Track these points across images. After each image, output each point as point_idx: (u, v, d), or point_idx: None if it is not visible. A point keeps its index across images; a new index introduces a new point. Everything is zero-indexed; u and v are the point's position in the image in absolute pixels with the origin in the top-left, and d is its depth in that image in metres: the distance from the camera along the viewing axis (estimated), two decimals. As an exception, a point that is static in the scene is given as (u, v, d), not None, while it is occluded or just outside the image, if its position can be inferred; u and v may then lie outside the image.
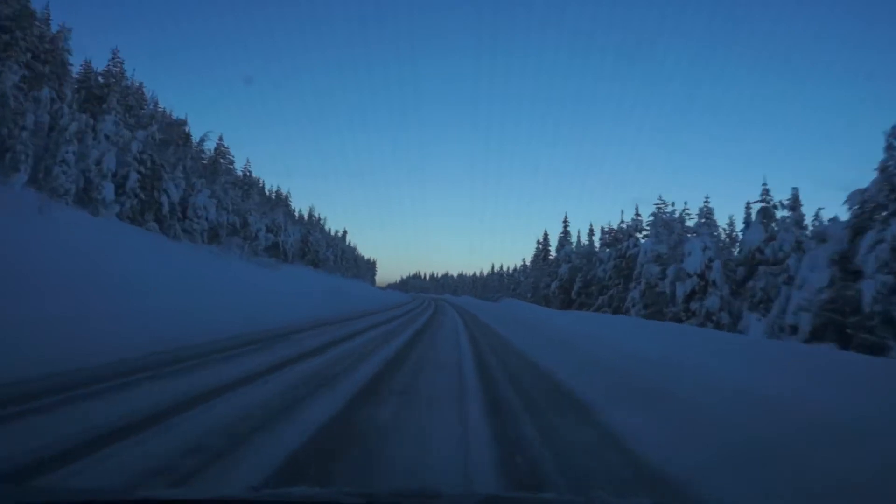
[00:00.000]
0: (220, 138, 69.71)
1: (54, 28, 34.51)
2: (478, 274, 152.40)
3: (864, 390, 6.30)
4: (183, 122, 54.15)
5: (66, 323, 9.32)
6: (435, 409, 6.22)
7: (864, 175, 21.66)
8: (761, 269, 26.93)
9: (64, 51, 35.50)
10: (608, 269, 39.02)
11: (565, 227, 77.93)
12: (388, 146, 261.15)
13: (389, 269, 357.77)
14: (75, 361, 6.99)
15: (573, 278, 51.16)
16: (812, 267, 20.42)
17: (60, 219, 20.04)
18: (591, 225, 66.90)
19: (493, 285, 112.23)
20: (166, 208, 32.27)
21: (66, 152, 24.69)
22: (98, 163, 26.77)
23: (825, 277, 19.35)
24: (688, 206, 36.75)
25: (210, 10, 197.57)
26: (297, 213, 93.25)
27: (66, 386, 5.93)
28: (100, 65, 40.70)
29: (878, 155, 19.08)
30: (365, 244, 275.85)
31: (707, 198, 43.25)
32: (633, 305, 33.59)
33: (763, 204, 30.25)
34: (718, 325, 27.35)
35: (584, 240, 58.59)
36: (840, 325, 18.47)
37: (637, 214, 38.70)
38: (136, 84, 46.01)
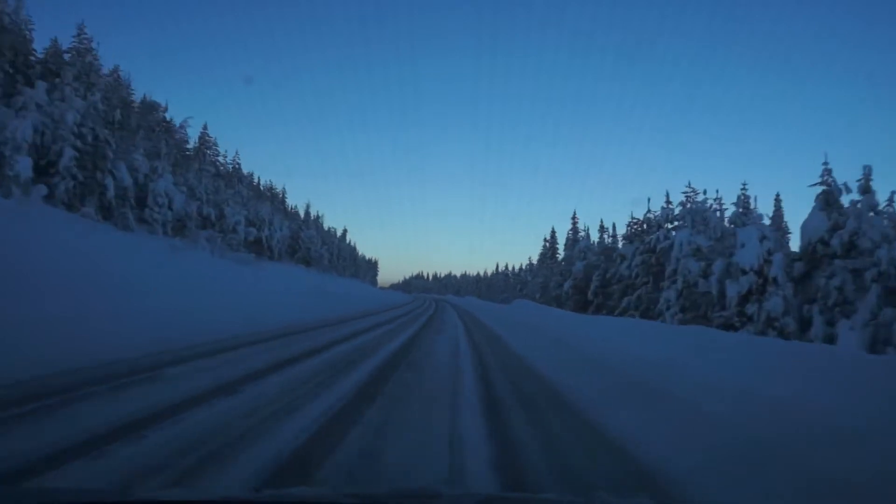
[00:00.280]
0: (205, 127, 64.80)
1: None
2: (481, 274, 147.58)
3: None
4: (158, 106, 49.09)
5: None
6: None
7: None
8: (837, 263, 21.60)
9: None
10: (634, 266, 33.66)
11: (574, 223, 72.78)
12: (389, 146, 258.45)
13: (392, 270, 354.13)
14: None
15: (589, 277, 45.80)
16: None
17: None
18: (601, 221, 61.46)
19: (498, 285, 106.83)
20: (112, 192, 27.05)
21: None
22: (14, 134, 21.59)
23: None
24: (720, 195, 31.57)
25: (210, 10, 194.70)
26: (292, 209, 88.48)
27: None
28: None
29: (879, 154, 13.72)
30: (367, 245, 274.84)
31: (745, 185, 37.91)
32: (668, 308, 28.24)
33: (824, 187, 24.87)
34: (783, 333, 22.00)
35: (594, 236, 53.56)
36: None
37: (667, 202, 33.36)
38: (96, 59, 41.05)
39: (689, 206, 33.05)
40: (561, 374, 8.85)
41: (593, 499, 2.68)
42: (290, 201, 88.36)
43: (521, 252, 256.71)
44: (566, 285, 47.53)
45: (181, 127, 57.72)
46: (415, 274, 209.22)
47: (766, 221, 31.57)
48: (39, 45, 37.09)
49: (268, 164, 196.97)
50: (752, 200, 36.86)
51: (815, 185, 24.99)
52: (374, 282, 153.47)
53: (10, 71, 26.08)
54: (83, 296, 11.58)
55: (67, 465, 3.58)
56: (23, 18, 36.24)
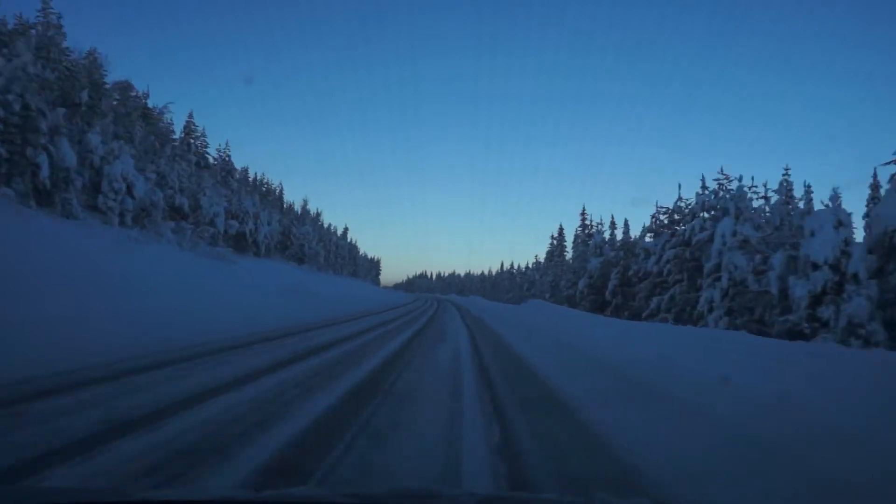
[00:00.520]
0: (190, 116, 60.52)
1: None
2: (486, 273, 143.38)
3: None
4: (130, 88, 44.66)
5: None
6: None
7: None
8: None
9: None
10: (665, 262, 29.05)
11: (584, 220, 68.50)
12: (392, 146, 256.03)
13: (395, 270, 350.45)
14: None
15: (607, 275, 41.22)
16: None
17: None
18: (611, 216, 56.64)
19: (504, 285, 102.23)
20: (46, 172, 22.59)
21: None
22: None
23: None
24: (754, 181, 27.17)
25: (210, 10, 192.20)
26: (289, 206, 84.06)
27: None
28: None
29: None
30: (371, 244, 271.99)
31: (787, 169, 33.33)
32: (711, 310, 23.66)
33: (902, 165, 20.27)
34: (868, 342, 17.41)
35: (607, 233, 48.97)
36: None
37: (703, 187, 28.72)
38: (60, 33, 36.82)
39: (721, 193, 28.49)
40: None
41: (593, 499, 2.52)
42: (293, 199, 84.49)
43: (524, 251, 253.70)
44: (581, 284, 42.93)
45: (161, 112, 53.48)
46: (418, 273, 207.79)
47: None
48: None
49: (270, 165, 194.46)
50: (793, 187, 32.38)
51: (890, 162, 20.40)
52: (375, 281, 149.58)
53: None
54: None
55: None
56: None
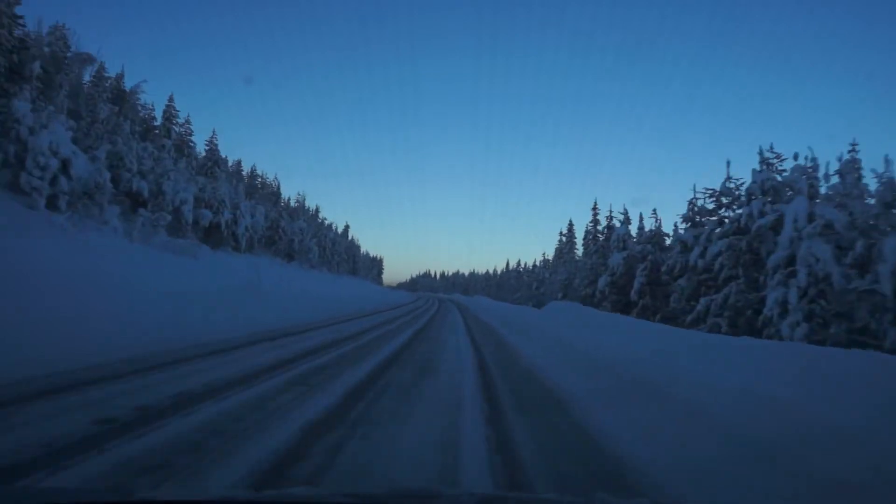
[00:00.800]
0: (170, 99, 55.43)
1: None
2: (491, 272, 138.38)
3: None
4: (90, 60, 39.51)
5: None
6: None
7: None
8: None
9: None
10: (712, 255, 23.76)
11: (595, 214, 63.46)
12: (394, 146, 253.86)
13: (399, 269, 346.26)
14: None
15: (632, 272, 35.99)
16: None
17: None
18: (624, 207, 51.16)
19: (510, 284, 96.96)
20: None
21: None
22: None
23: None
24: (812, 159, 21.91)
25: (210, 11, 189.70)
26: (286, 202, 79.00)
27: None
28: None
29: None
30: (374, 244, 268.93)
31: (854, 144, 27.92)
32: (783, 314, 18.40)
33: None
34: None
35: (619, 227, 43.65)
36: None
37: (763, 162, 23.38)
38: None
39: (772, 177, 23.24)
40: None
41: (593, 499, 2.44)
42: (292, 196, 79.76)
43: (529, 249, 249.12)
44: (601, 282, 37.70)
45: (132, 92, 48.47)
46: (422, 273, 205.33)
47: None
48: None
49: (273, 165, 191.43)
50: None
51: None
52: (378, 280, 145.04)
53: None
54: None
55: None
56: None
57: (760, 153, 23.46)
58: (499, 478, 3.98)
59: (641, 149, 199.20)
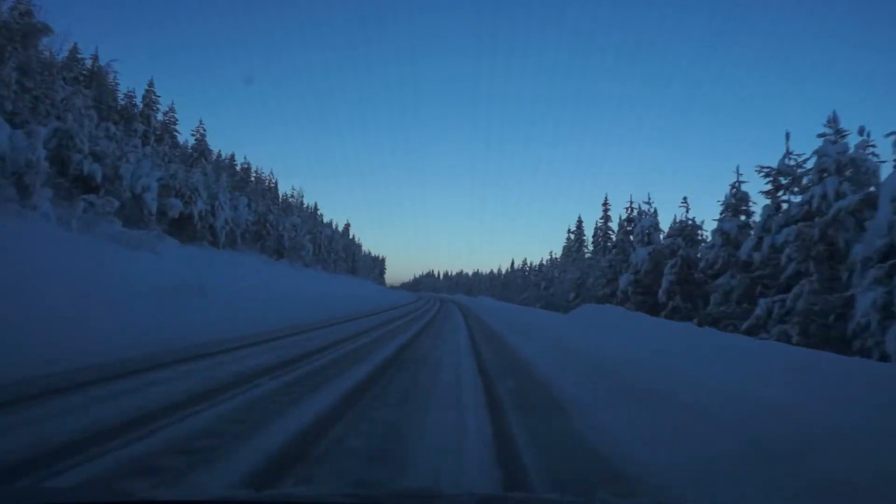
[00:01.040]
0: (150, 84, 51.37)
1: None
2: (495, 271, 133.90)
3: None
4: (43, 30, 35.19)
5: None
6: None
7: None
8: None
9: None
10: (773, 247, 19.28)
11: (605, 211, 59.49)
12: (396, 146, 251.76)
13: (403, 269, 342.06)
14: None
15: (658, 269, 31.52)
16: None
17: None
18: (649, 197, 46.48)
19: (516, 283, 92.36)
20: None
21: None
22: None
23: None
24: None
25: (210, 10, 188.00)
26: (283, 198, 74.70)
27: None
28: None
29: None
30: (378, 244, 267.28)
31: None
32: (891, 322, 13.92)
33: None
34: None
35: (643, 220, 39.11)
36: None
37: (838, 133, 18.88)
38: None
39: (847, 149, 18.76)
40: None
41: (593, 499, 2.53)
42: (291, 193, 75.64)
43: (533, 248, 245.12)
44: (622, 281, 33.21)
45: (103, 73, 44.24)
46: (425, 273, 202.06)
47: None
48: None
49: (279, 167, 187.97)
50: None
51: None
52: (380, 280, 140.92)
53: None
54: None
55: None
56: None
57: (833, 120, 18.96)
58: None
59: (643, 147, 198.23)
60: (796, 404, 4.98)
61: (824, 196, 17.97)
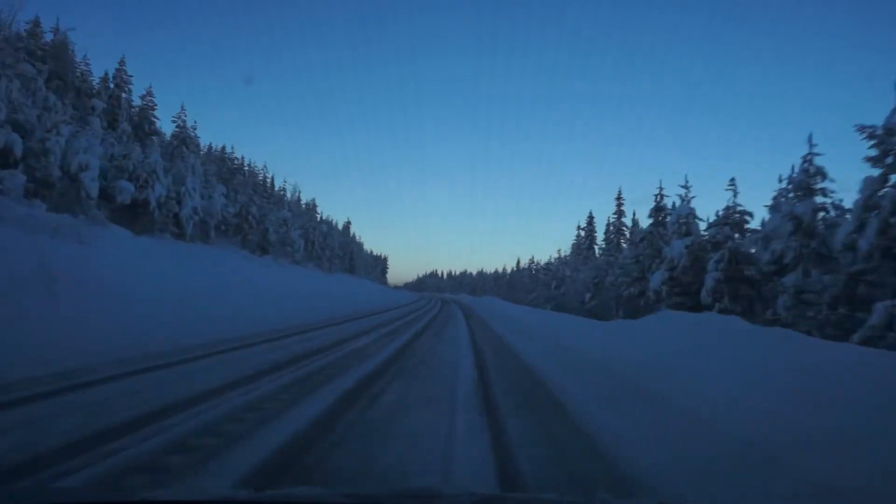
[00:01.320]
0: (121, 62, 46.76)
1: None
2: (500, 271, 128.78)
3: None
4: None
5: None
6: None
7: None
8: None
9: None
10: (889, 230, 14.01)
11: (619, 205, 54.50)
12: (398, 145, 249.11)
13: (406, 269, 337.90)
14: None
15: (699, 265, 26.29)
16: None
17: None
18: (685, 180, 39.91)
19: (523, 283, 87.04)
20: None
21: None
22: None
23: None
24: None
25: (210, 10, 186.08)
26: (279, 194, 69.57)
27: None
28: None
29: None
30: (381, 244, 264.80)
31: None
32: None
33: None
34: None
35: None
36: None
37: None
38: None
39: None
40: None
41: (593, 499, 2.51)
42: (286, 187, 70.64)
43: (535, 247, 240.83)
44: (654, 280, 27.91)
45: (63, 45, 39.30)
46: (428, 272, 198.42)
47: None
48: None
49: (281, 166, 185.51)
50: None
51: None
52: (382, 279, 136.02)
53: None
54: None
55: None
56: None
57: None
58: None
59: (644, 145, 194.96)
60: None
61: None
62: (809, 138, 20.35)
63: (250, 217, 47.12)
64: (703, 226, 27.73)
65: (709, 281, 24.71)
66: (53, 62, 36.24)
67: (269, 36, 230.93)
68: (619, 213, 52.70)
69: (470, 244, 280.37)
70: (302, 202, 77.47)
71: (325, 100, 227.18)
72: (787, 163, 29.78)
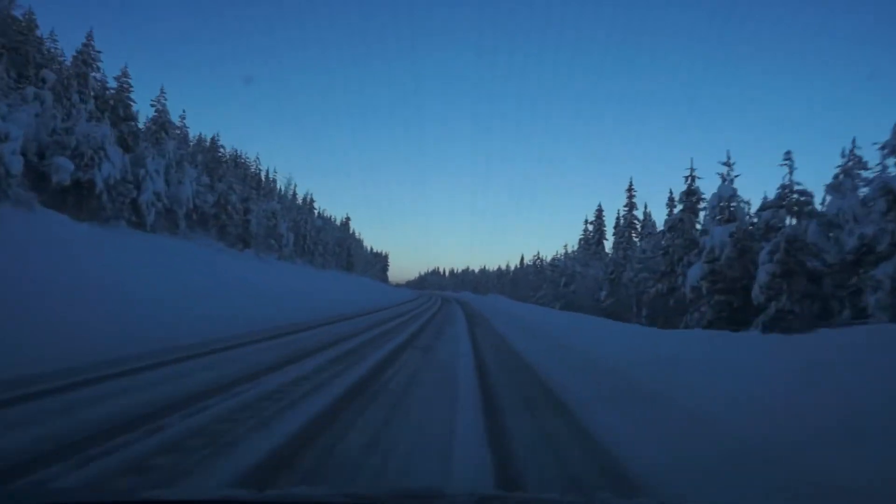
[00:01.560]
0: (89, 36, 42.17)
1: None
2: (504, 268, 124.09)
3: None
4: None
5: None
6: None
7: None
8: None
9: None
10: None
11: (630, 197, 50.27)
12: (400, 143, 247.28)
13: (408, 267, 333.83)
14: None
15: (747, 256, 21.84)
16: None
17: None
18: (728, 156, 33.70)
19: (529, 280, 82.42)
20: None
21: None
22: None
23: None
24: None
25: (211, 10, 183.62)
26: (279, 192, 65.07)
27: None
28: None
29: None
30: (383, 242, 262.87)
31: None
32: None
33: None
34: None
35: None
36: None
37: None
38: None
39: None
40: None
41: (593, 499, 2.45)
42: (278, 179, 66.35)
43: (537, 245, 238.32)
44: (693, 274, 23.38)
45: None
46: (430, 270, 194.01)
47: None
48: None
49: (281, 165, 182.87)
50: None
51: None
52: (382, 277, 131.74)
53: None
54: None
55: None
56: None
57: None
58: None
59: (642, 145, 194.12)
60: None
61: None
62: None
63: (229, 207, 42.71)
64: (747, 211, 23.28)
65: (762, 275, 20.24)
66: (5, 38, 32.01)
67: (269, 32, 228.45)
68: (631, 206, 48.44)
69: (472, 241, 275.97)
70: (298, 197, 73.19)
71: (327, 97, 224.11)
72: (799, 155, 25.65)
